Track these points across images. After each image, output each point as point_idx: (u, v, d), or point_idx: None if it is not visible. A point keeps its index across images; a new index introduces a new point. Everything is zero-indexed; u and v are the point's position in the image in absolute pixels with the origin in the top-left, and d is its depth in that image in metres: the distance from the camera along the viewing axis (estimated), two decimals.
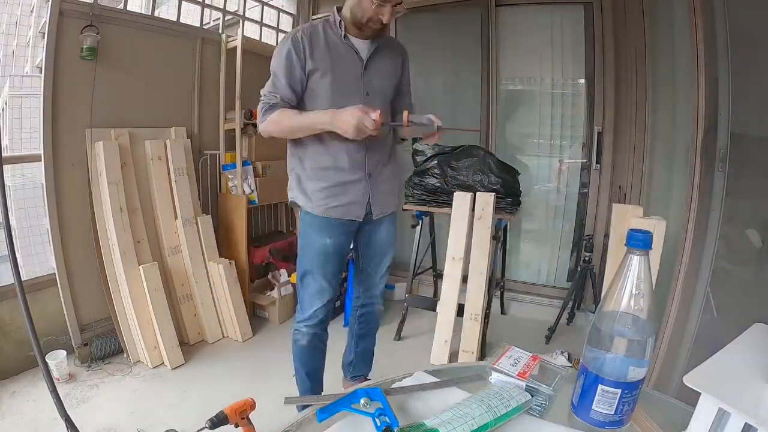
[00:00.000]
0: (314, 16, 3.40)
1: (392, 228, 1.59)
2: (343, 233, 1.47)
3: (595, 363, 0.56)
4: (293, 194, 1.49)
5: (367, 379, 1.84)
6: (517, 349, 0.71)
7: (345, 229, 1.47)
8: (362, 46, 1.39)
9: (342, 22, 1.36)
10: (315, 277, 1.49)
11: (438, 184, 2.41)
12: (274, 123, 1.33)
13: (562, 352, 2.25)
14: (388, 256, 1.63)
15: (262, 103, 1.35)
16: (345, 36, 1.36)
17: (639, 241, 0.52)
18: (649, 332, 0.54)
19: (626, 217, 1.26)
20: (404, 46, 1.58)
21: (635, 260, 0.53)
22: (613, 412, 0.55)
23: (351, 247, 1.60)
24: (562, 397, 0.63)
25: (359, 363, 1.87)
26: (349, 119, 1.21)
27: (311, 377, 1.70)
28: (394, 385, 0.70)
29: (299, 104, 1.38)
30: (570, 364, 2.19)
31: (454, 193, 2.22)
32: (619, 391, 0.54)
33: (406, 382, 0.71)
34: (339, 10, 1.39)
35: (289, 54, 1.32)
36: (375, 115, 1.21)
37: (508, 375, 0.65)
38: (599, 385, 0.55)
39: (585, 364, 0.57)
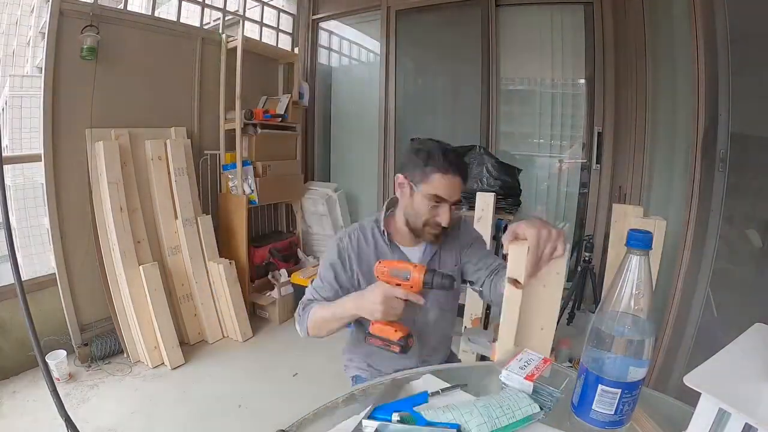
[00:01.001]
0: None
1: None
2: None
3: (595, 363, 0.56)
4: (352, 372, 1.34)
5: None
6: (530, 351, 0.71)
7: None
8: (416, 254, 1.16)
9: (386, 232, 1.15)
10: None
11: None
12: (312, 327, 1.11)
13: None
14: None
15: (302, 301, 1.16)
16: (391, 245, 1.15)
17: (639, 241, 0.52)
18: (649, 332, 0.54)
19: (626, 217, 1.26)
20: (469, 225, 1.28)
21: (635, 260, 0.53)
22: (613, 412, 0.55)
23: None
24: (563, 398, 0.63)
25: None
26: (373, 299, 0.93)
27: None
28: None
29: None
30: (570, 365, 2.19)
31: (477, 194, 2.04)
32: (619, 391, 0.54)
33: (414, 384, 0.71)
34: (388, 208, 1.19)
35: (334, 265, 1.14)
36: (400, 292, 0.91)
37: (518, 376, 0.65)
38: (599, 385, 0.55)
39: (585, 364, 0.57)
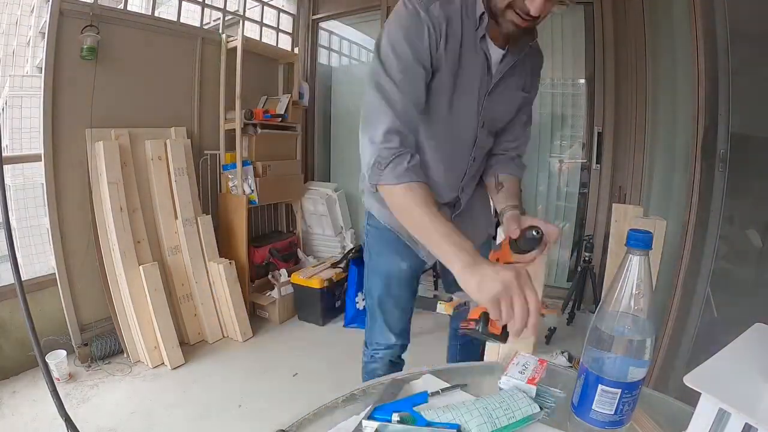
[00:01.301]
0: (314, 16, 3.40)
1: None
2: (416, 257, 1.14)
3: (595, 363, 0.56)
4: (368, 202, 1.15)
5: None
6: (524, 354, 0.71)
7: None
8: (497, 57, 0.91)
9: (485, 14, 0.85)
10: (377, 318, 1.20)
11: None
12: (397, 207, 0.80)
13: (562, 353, 2.25)
14: None
15: (380, 147, 0.79)
16: (483, 36, 0.87)
17: (639, 241, 0.52)
18: (649, 332, 0.54)
19: (626, 217, 1.26)
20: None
21: (635, 260, 0.53)
22: (613, 412, 0.55)
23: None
24: (563, 398, 0.63)
25: None
26: (494, 283, 0.62)
27: None
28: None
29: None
30: (570, 365, 2.19)
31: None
32: (619, 391, 0.54)
33: (414, 385, 0.71)
34: None
35: (420, 33, 0.82)
36: (533, 301, 0.61)
37: (519, 381, 0.65)
38: (599, 385, 0.55)
39: (585, 364, 0.57)
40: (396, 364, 1.29)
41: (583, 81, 2.72)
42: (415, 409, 0.61)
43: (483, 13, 0.85)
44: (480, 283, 0.63)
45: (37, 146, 2.02)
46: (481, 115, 0.96)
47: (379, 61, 0.84)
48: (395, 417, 0.58)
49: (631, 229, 0.53)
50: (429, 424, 0.57)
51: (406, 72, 0.82)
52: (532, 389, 0.64)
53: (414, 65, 0.83)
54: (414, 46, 0.82)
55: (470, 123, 0.96)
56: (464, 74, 0.90)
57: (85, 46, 2.02)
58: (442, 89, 0.89)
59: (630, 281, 0.53)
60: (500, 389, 0.67)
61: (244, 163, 2.68)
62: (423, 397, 0.64)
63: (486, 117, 0.97)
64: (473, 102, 0.94)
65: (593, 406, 0.56)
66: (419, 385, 0.71)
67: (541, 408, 0.61)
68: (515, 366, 0.68)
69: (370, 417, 0.59)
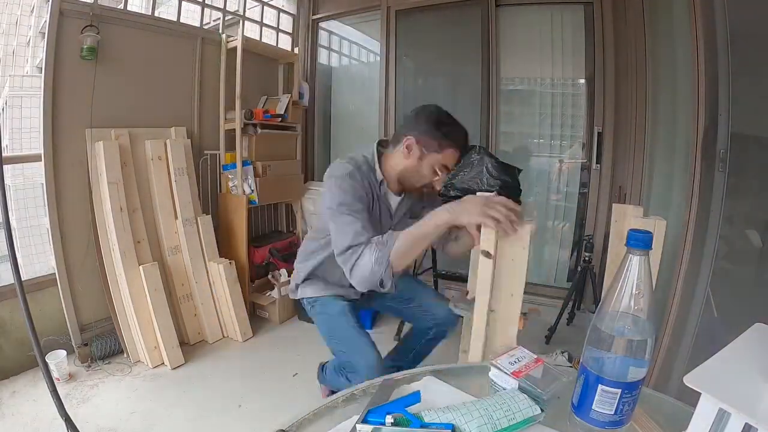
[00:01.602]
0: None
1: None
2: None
3: (595, 363, 0.56)
4: (302, 291, 1.49)
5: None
6: (524, 349, 0.71)
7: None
8: (394, 201, 1.33)
9: (384, 181, 1.28)
10: (355, 344, 1.36)
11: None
12: (398, 257, 1.06)
13: (562, 353, 2.25)
14: (419, 290, 1.58)
15: (351, 247, 1.10)
16: (385, 192, 1.30)
17: (639, 241, 0.52)
18: (649, 332, 0.54)
19: (626, 217, 1.26)
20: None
21: (635, 260, 0.53)
22: (613, 412, 0.55)
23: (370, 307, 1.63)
24: (563, 398, 0.63)
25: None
26: (475, 200, 0.96)
27: None
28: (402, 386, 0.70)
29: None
30: (570, 365, 2.19)
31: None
32: (619, 391, 0.54)
33: (414, 386, 0.71)
34: (380, 155, 1.28)
35: (361, 197, 1.18)
36: (508, 201, 0.92)
37: (504, 372, 0.65)
38: (599, 385, 0.55)
39: (585, 364, 0.57)
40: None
41: (583, 81, 2.72)
42: (416, 410, 0.60)
43: (381, 180, 1.27)
44: (466, 206, 0.95)
45: (37, 146, 2.02)
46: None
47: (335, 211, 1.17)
48: (389, 419, 0.58)
49: (631, 229, 0.53)
50: (423, 425, 0.57)
51: (353, 199, 1.17)
52: (514, 383, 0.64)
53: (357, 198, 1.18)
54: (356, 195, 1.18)
55: None
56: (376, 211, 1.27)
57: (85, 46, 2.02)
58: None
59: (630, 281, 0.53)
60: (490, 383, 0.67)
61: (244, 163, 2.68)
62: (416, 398, 0.63)
63: None
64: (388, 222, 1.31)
65: (593, 406, 0.56)
66: (419, 387, 0.70)
67: (542, 410, 0.60)
68: (509, 357, 0.68)
69: (364, 420, 0.59)
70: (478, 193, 1.06)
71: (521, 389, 0.63)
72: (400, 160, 1.25)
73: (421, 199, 1.35)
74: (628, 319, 0.54)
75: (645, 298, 0.53)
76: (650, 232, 0.52)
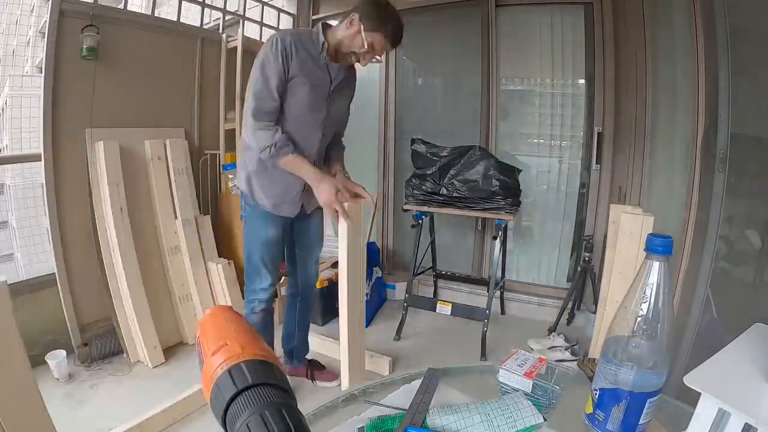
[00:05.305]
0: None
1: (321, 222, 1.90)
2: (281, 225, 1.69)
3: (611, 375, 0.53)
4: (243, 186, 1.64)
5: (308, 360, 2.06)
6: (524, 352, 0.71)
7: (283, 222, 1.69)
8: (334, 70, 1.52)
9: (325, 43, 1.47)
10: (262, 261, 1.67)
11: (436, 188, 2.41)
12: (283, 163, 1.45)
13: (558, 334, 2.29)
14: (319, 245, 1.91)
15: (259, 122, 1.42)
16: (325, 56, 1.49)
17: (658, 246, 0.49)
18: (666, 341, 0.53)
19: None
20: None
21: (655, 266, 0.50)
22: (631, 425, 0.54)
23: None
24: (574, 404, 0.62)
25: (302, 347, 2.03)
26: (328, 188, 1.38)
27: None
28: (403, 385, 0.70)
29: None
30: (574, 357, 2.18)
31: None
32: (636, 401, 0.52)
33: (415, 385, 0.71)
34: (324, 27, 1.50)
35: (278, 70, 1.40)
36: (355, 185, 1.49)
37: (515, 374, 0.65)
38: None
39: (601, 374, 0.54)
40: (270, 312, 1.77)
41: (583, 81, 2.71)
42: (417, 410, 0.60)
43: (323, 42, 1.47)
44: (322, 192, 1.38)
45: (37, 146, 2.02)
46: (326, 108, 1.54)
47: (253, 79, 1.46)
48: None
49: (650, 234, 0.50)
50: None
51: (272, 73, 1.42)
52: (529, 383, 0.64)
53: (275, 72, 1.43)
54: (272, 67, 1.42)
55: (319, 113, 1.53)
56: (315, 77, 1.48)
57: (85, 46, 2.02)
58: (301, 87, 1.46)
59: (648, 287, 0.51)
60: (499, 387, 0.67)
61: None
62: None
63: (330, 109, 1.56)
64: (321, 98, 1.52)
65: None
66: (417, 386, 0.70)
67: (543, 414, 0.60)
68: (514, 360, 0.68)
69: None
70: (337, 175, 1.53)
71: (536, 387, 0.63)
72: (342, 31, 1.45)
73: (349, 66, 1.57)
74: (645, 327, 0.52)
75: (664, 305, 0.51)
76: (670, 237, 0.49)
